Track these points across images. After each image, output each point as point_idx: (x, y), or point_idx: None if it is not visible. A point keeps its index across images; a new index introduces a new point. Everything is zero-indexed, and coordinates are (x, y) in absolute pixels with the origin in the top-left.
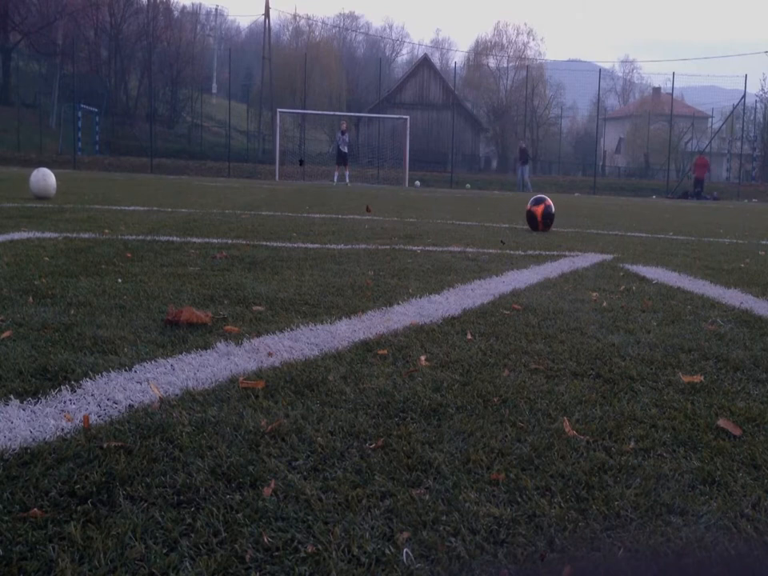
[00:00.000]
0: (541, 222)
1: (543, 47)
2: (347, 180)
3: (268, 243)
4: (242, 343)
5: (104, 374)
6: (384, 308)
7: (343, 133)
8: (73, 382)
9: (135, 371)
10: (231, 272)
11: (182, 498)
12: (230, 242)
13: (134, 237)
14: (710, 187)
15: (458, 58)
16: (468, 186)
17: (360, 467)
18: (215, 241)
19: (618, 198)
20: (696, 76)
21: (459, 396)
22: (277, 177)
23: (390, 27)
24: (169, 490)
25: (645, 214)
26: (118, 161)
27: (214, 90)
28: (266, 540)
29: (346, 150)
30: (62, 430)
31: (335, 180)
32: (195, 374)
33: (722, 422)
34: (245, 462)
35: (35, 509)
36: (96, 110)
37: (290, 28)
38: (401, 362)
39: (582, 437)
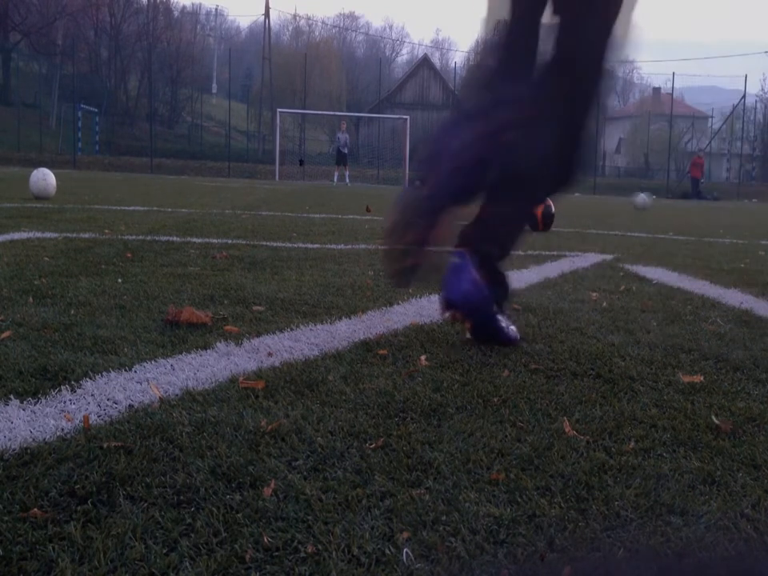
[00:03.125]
0: (541, 222)
1: None
2: (347, 180)
3: (268, 243)
4: (241, 343)
5: (104, 373)
6: (384, 308)
7: (343, 133)
8: (73, 382)
9: (135, 371)
10: (231, 272)
11: (181, 497)
12: (230, 241)
13: (134, 237)
14: (709, 187)
15: (458, 58)
16: None
17: (360, 467)
18: (215, 241)
19: (618, 197)
20: (696, 76)
21: (459, 396)
22: (277, 177)
23: (390, 27)
24: (169, 490)
25: (645, 214)
26: (118, 161)
27: (214, 90)
28: (265, 540)
29: (345, 150)
30: (62, 430)
31: (335, 180)
32: (195, 373)
33: (715, 420)
34: (245, 462)
35: (35, 509)
36: (96, 110)
37: (290, 28)
38: (401, 362)
39: (581, 437)
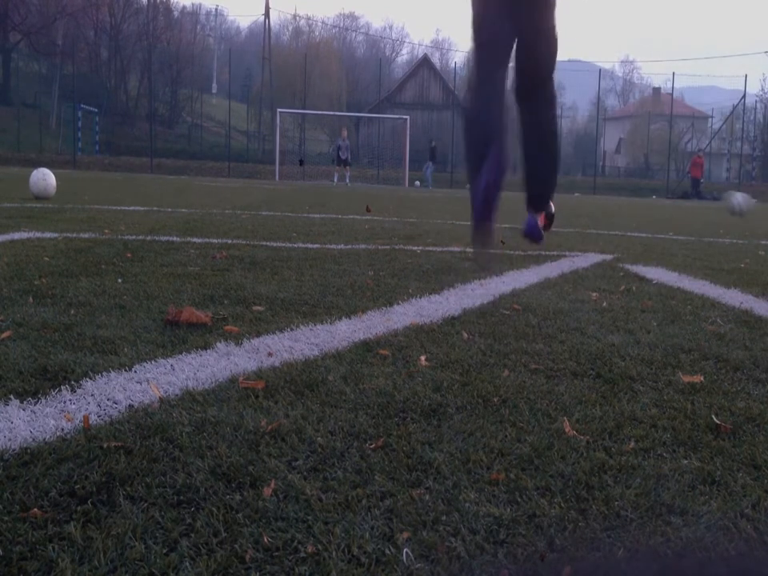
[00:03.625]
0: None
1: None
2: (347, 180)
3: (268, 243)
4: (241, 343)
5: (104, 374)
6: (384, 308)
7: (343, 140)
8: (73, 382)
9: (135, 371)
10: (231, 272)
11: (181, 497)
12: (230, 241)
13: (133, 237)
14: (709, 187)
15: (458, 58)
16: (468, 186)
17: (360, 467)
18: (215, 241)
19: (618, 198)
20: (696, 76)
21: (459, 396)
22: (277, 177)
23: (390, 27)
24: (169, 490)
25: (645, 214)
26: (118, 161)
27: (214, 90)
28: (265, 540)
29: (345, 156)
30: (62, 430)
31: (335, 180)
32: (195, 373)
33: (716, 419)
34: (245, 462)
35: (35, 509)
36: (96, 110)
37: (290, 28)
38: (401, 362)
39: (581, 437)
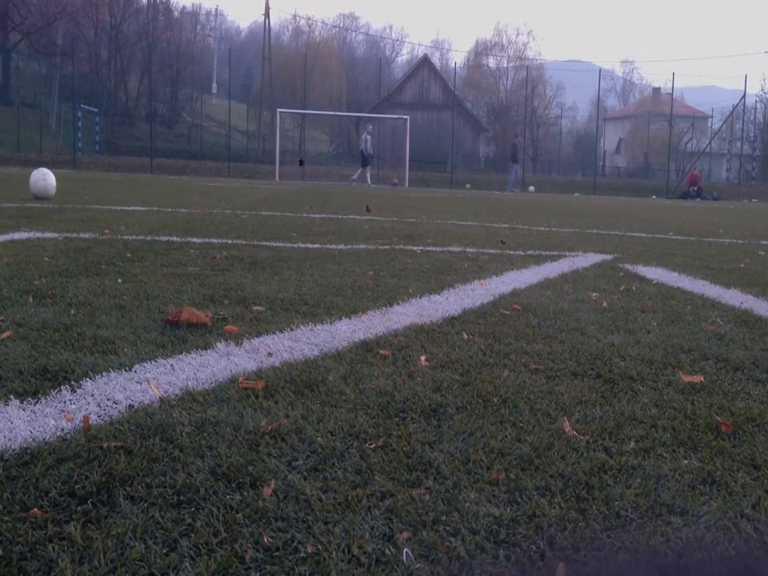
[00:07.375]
0: None
1: (543, 47)
2: (355, 177)
3: (268, 243)
4: (242, 343)
5: (104, 374)
6: (384, 308)
7: (369, 134)
8: (73, 382)
9: (135, 371)
10: (231, 272)
11: (182, 498)
12: (230, 242)
13: (133, 237)
14: (709, 187)
15: (458, 58)
16: (468, 186)
17: (360, 467)
18: (215, 241)
19: (618, 198)
20: (696, 76)
21: (459, 396)
22: (277, 177)
23: (390, 27)
24: (169, 490)
25: (645, 214)
26: (118, 161)
27: (214, 90)
28: (266, 540)
29: (369, 152)
30: (62, 430)
31: (365, 180)
32: (195, 374)
33: (718, 419)
34: (245, 462)
35: (35, 509)
36: (96, 110)
37: (290, 28)
38: (401, 362)
39: (581, 437)
